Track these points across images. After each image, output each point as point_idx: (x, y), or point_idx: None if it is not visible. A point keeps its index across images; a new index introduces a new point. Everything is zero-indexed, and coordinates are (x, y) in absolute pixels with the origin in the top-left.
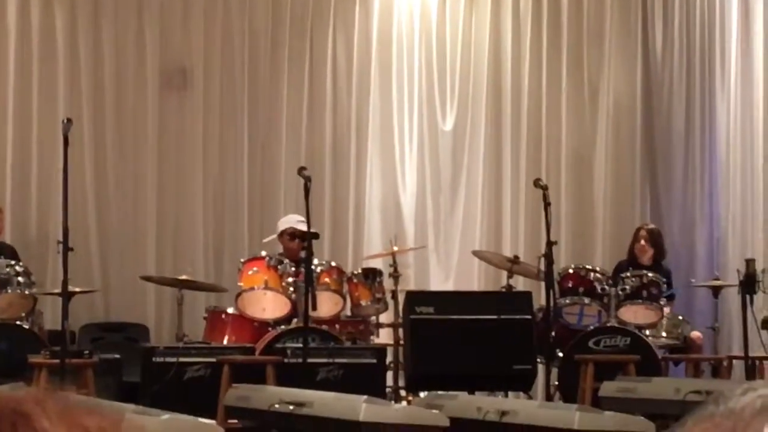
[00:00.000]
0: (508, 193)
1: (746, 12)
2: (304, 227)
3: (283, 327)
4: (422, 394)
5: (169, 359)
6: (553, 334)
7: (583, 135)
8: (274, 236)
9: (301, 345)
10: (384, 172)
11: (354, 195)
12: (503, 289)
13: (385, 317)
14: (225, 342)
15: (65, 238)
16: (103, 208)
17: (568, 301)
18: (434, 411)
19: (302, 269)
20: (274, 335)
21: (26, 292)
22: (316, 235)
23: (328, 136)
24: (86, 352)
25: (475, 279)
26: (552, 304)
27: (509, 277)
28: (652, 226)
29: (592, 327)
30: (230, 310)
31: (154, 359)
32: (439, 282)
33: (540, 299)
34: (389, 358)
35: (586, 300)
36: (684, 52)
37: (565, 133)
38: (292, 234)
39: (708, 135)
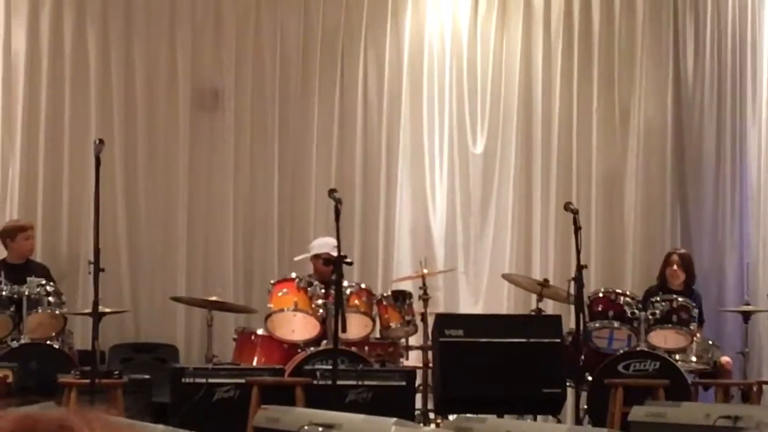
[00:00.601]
0: (539, 216)
1: None
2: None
3: (312, 349)
4: (451, 417)
5: (198, 380)
6: (582, 357)
7: (614, 158)
8: (307, 255)
9: (330, 367)
10: (414, 194)
11: (384, 217)
12: (533, 313)
13: (415, 340)
14: (254, 363)
15: (96, 258)
16: (134, 229)
17: (597, 325)
18: None
19: (332, 291)
20: (303, 357)
21: (56, 312)
22: (349, 263)
23: (359, 158)
24: (116, 372)
25: (505, 302)
26: (582, 327)
27: (539, 300)
28: (683, 250)
29: (621, 351)
30: (260, 332)
31: (183, 380)
32: (469, 305)
33: (569, 323)
34: (418, 381)
35: (616, 324)
36: (715, 75)
37: (595, 156)
38: (327, 259)
39: (739, 159)
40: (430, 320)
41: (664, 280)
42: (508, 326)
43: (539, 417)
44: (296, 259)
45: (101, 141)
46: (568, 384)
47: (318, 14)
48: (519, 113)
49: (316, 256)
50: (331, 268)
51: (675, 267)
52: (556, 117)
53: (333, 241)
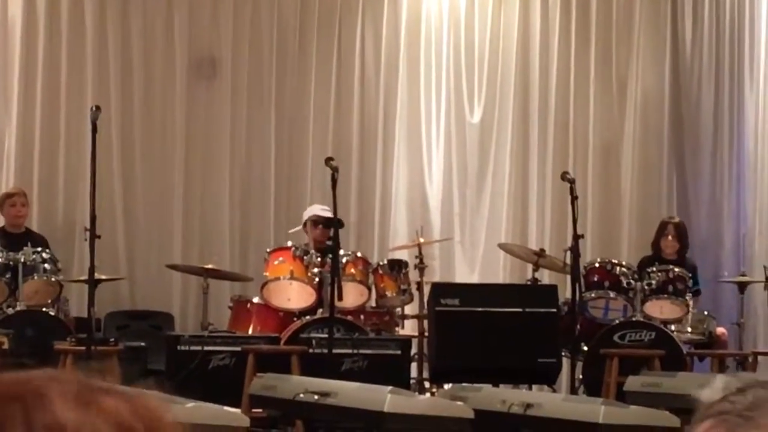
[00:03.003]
0: (535, 186)
1: None
2: (326, 214)
3: (308, 317)
4: (446, 386)
5: (194, 348)
6: (578, 327)
7: (611, 128)
8: (300, 227)
9: (325, 335)
10: (411, 163)
11: (380, 186)
12: (529, 282)
13: (410, 308)
14: (250, 331)
15: (92, 225)
16: (130, 196)
17: (593, 295)
18: (459, 403)
19: (328, 259)
20: (299, 325)
21: (52, 279)
22: (340, 223)
23: (356, 127)
24: (111, 339)
25: (501, 271)
26: (577, 297)
27: (535, 270)
28: (677, 219)
29: (617, 321)
30: (255, 300)
31: (179, 347)
32: (465, 274)
33: (565, 293)
34: (414, 350)
35: (612, 294)
36: (713, 45)
37: (592, 126)
38: (315, 221)
39: (736, 128)
40: (426, 289)
41: (658, 249)
42: (504, 296)
43: (534, 387)
44: (290, 231)
45: (98, 108)
46: (563, 354)
47: None
48: (516, 82)
49: (305, 224)
50: (322, 231)
51: (670, 237)
52: (553, 86)
53: (319, 205)
